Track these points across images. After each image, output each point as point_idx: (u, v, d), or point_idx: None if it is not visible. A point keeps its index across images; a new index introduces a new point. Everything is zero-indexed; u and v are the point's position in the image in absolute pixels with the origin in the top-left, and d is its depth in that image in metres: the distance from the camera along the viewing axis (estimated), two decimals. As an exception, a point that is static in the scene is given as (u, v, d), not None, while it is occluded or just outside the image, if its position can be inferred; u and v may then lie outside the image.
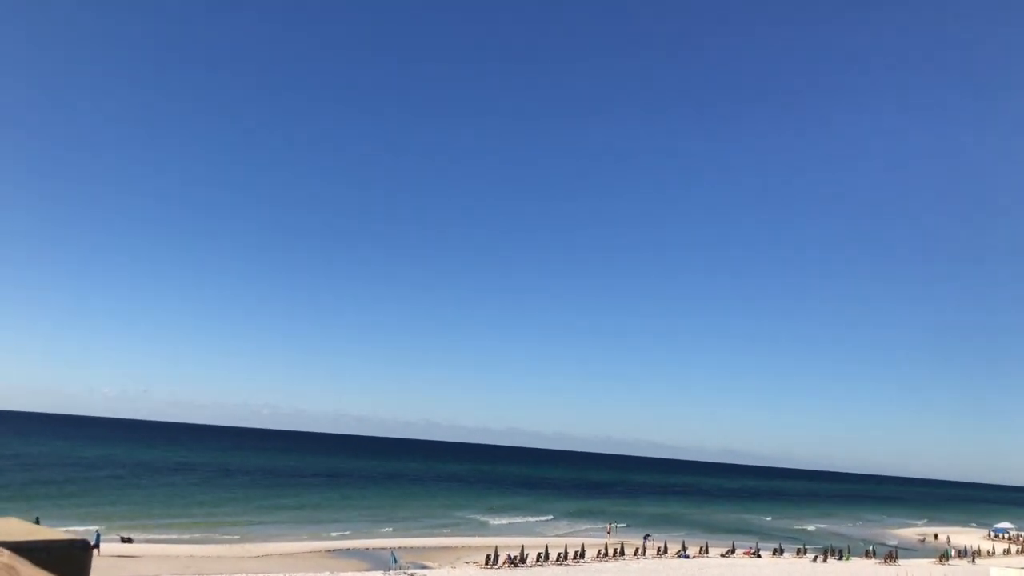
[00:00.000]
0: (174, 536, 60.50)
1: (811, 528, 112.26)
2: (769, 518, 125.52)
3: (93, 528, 54.31)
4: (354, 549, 59.10)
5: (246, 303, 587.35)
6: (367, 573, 48.70)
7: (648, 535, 78.12)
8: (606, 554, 64.30)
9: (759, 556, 72.56)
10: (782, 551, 75.78)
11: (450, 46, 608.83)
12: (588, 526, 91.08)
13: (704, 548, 72.71)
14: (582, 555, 61.07)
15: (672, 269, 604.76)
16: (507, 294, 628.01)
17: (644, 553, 67.77)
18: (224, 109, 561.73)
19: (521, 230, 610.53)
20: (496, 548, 56.75)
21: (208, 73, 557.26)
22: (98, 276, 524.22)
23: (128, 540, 54.46)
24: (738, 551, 74.29)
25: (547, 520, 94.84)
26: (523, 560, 55.85)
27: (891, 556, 75.43)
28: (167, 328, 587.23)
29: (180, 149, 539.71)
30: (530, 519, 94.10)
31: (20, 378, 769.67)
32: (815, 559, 71.79)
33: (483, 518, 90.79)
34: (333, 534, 67.83)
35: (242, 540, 60.11)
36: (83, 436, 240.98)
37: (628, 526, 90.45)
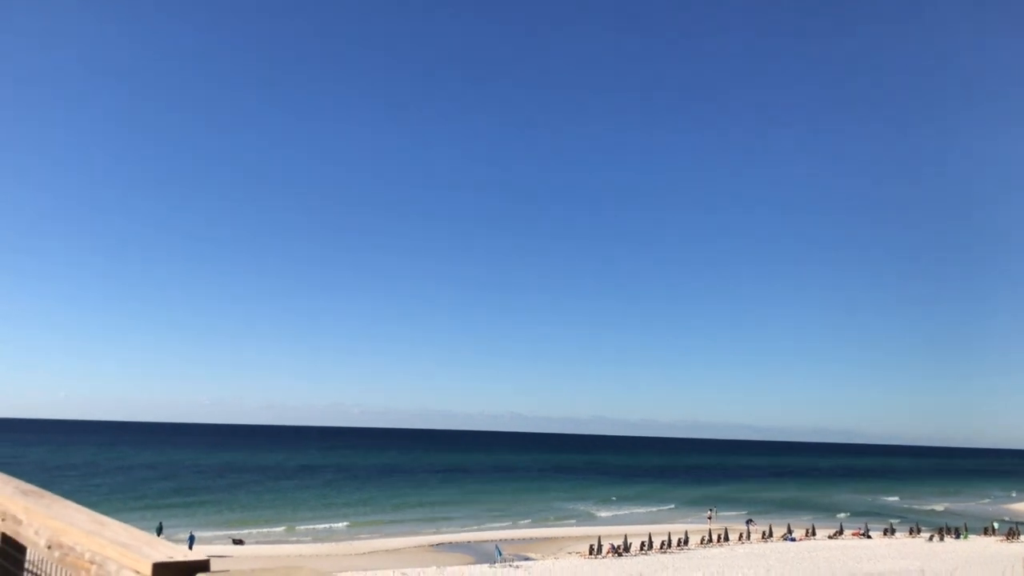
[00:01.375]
0: (291, 537, 62.31)
1: (939, 508, 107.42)
2: (896, 498, 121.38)
3: (188, 531, 56.24)
4: (458, 543, 59.82)
5: (334, 307, 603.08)
6: (472, 566, 49.19)
7: (751, 519, 76.79)
8: (710, 540, 63.42)
9: (869, 537, 70.33)
10: (893, 531, 73.30)
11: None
12: (687, 512, 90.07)
13: (811, 530, 70.93)
14: (686, 542, 60.39)
15: (750, 252, 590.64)
16: (604, 280, 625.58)
17: (749, 538, 66.55)
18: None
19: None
20: (599, 538, 56.56)
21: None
22: (193, 290, 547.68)
23: (239, 542, 56.45)
24: (846, 532, 72.25)
25: (651, 509, 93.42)
26: (627, 549, 55.55)
27: (1013, 533, 71.94)
28: (255, 336, 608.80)
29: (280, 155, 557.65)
30: (636, 510, 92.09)
31: (122, 390, 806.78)
32: (930, 538, 69.09)
33: (590, 509, 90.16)
34: (442, 529, 68.60)
35: (351, 538, 61.61)
36: (192, 444, 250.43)
37: (719, 512, 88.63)
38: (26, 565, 2.81)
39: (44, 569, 2.69)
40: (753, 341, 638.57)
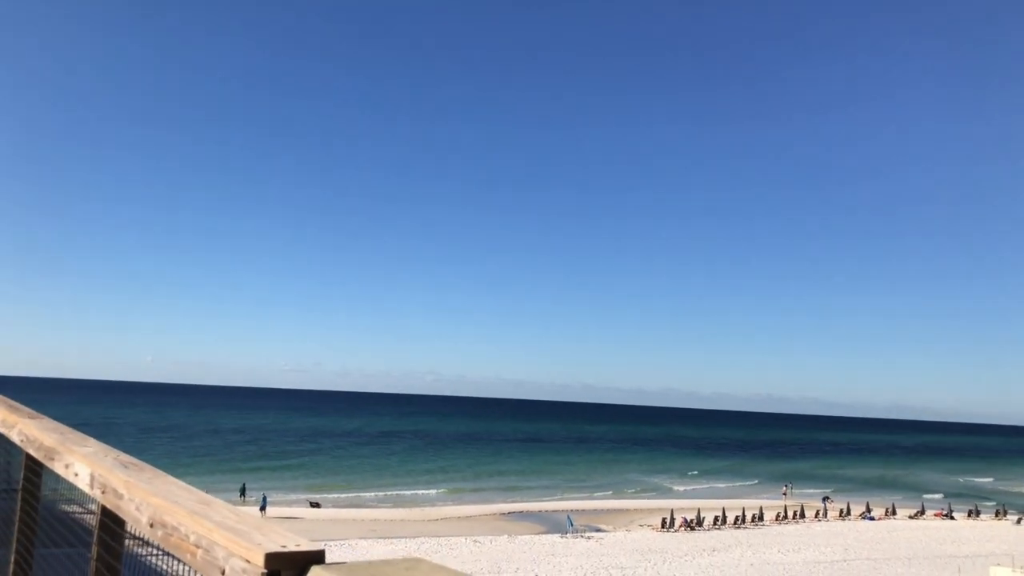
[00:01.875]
0: (368, 502, 63.54)
1: None
2: (986, 478, 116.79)
3: (260, 493, 57.35)
4: (530, 512, 60.26)
5: (401, 279, 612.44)
6: (542, 535, 49.48)
7: (827, 496, 75.07)
8: (786, 516, 62.36)
9: (952, 518, 68.05)
10: (978, 512, 70.67)
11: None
12: (764, 488, 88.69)
13: (890, 509, 69.01)
14: (761, 518, 59.52)
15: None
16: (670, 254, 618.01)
17: (826, 515, 65.16)
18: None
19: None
20: (672, 511, 56.16)
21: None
22: (266, 263, 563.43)
23: (316, 505, 57.88)
24: (928, 513, 69.99)
25: (728, 484, 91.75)
26: (699, 523, 55.07)
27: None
28: (336, 302, 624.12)
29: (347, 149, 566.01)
30: (713, 484, 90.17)
31: (204, 355, 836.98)
32: (1018, 521, 66.39)
33: (665, 482, 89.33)
34: (516, 497, 69.16)
35: (428, 504, 62.69)
36: (274, 407, 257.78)
37: (794, 488, 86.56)
38: (126, 541, 2.74)
39: (146, 548, 2.61)
40: (830, 317, 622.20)
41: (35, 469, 3.88)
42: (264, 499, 53.86)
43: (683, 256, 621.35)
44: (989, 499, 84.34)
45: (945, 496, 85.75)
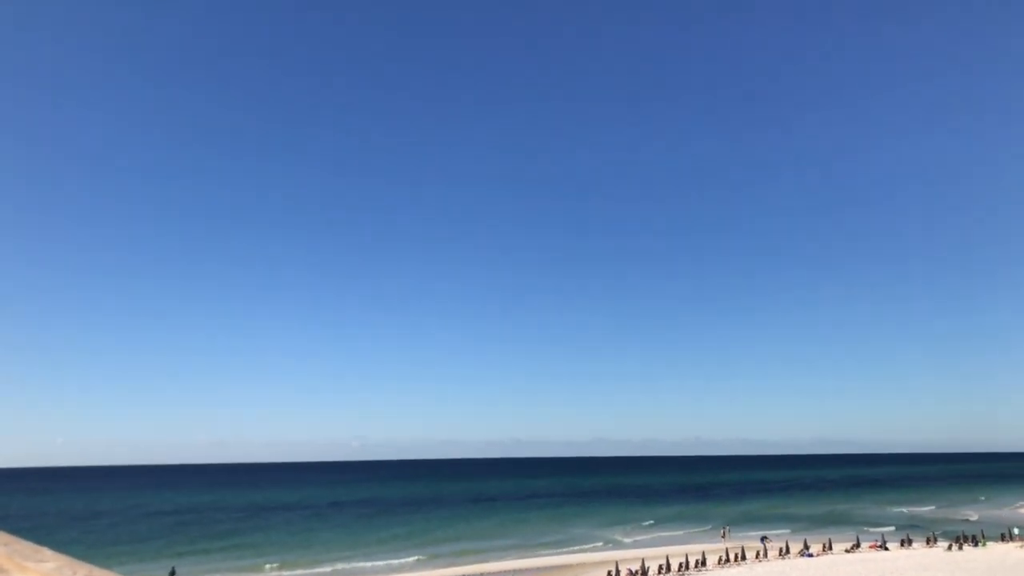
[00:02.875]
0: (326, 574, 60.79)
1: (973, 517, 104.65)
2: (932, 507, 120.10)
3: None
4: (490, 574, 58.67)
5: (320, 345, 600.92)
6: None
7: (765, 536, 75.81)
8: (727, 559, 62.52)
9: (886, 549, 69.58)
10: (910, 541, 72.46)
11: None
12: (695, 529, 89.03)
13: (827, 545, 70.11)
14: (703, 563, 59.61)
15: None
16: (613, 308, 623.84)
17: (766, 555, 65.60)
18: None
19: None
20: (617, 563, 55.65)
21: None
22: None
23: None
24: (863, 545, 71.27)
25: (671, 533, 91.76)
26: (644, 573, 54.59)
27: (1030, 538, 71.09)
28: (254, 372, 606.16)
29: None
30: (657, 533, 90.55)
31: (118, 433, 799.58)
32: (949, 547, 68.31)
33: (609, 534, 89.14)
34: (456, 562, 67.62)
35: (388, 573, 60.39)
36: (202, 484, 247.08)
37: (731, 532, 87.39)
38: None
39: None
40: (752, 353, 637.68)
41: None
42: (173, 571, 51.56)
43: (592, 302, 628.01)
44: (935, 528, 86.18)
45: (898, 528, 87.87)
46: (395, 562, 67.25)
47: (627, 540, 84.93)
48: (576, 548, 76.31)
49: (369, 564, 66.19)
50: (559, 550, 74.49)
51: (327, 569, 64.10)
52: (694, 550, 66.07)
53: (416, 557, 70.36)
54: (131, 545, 79.50)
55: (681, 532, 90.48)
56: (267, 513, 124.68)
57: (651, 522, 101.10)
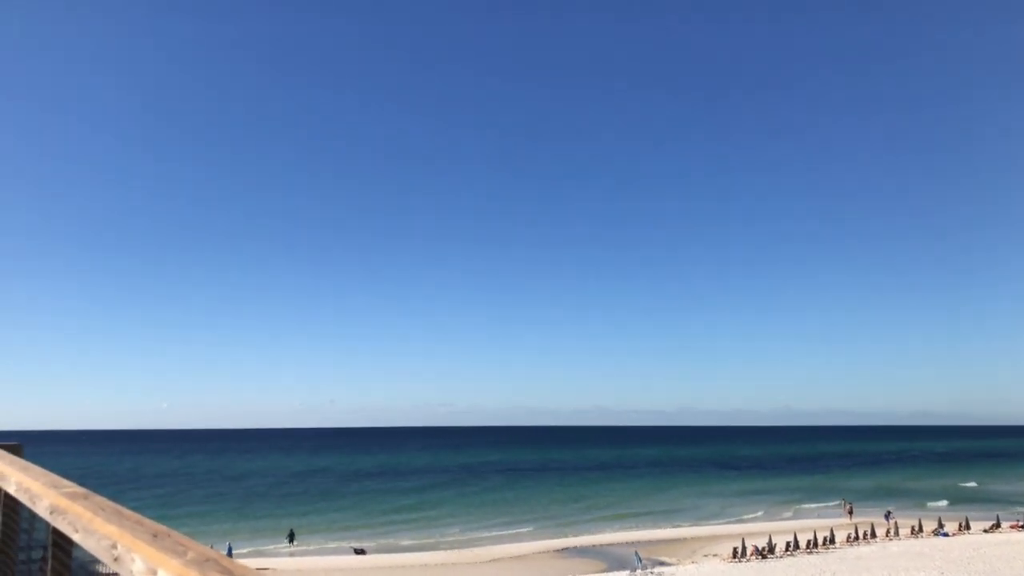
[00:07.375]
0: (415, 545, 59.27)
1: None
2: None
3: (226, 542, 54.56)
4: (584, 547, 56.24)
5: (416, 307, 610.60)
6: (608, 574, 45.73)
7: (890, 512, 70.88)
8: (856, 537, 58.28)
9: (1033, 528, 63.68)
10: (1058, 522, 66.23)
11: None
12: (814, 505, 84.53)
13: (964, 524, 64.71)
14: (832, 540, 55.50)
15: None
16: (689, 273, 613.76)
17: (897, 533, 61.00)
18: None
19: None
20: (743, 539, 52.22)
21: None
22: (283, 298, 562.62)
23: (361, 552, 54.06)
24: (1004, 524, 65.64)
25: (773, 502, 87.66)
26: (771, 550, 51.12)
27: None
28: (348, 340, 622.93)
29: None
30: (759, 505, 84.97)
31: (218, 399, 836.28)
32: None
33: (713, 505, 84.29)
34: (567, 531, 64.84)
35: (470, 544, 58.73)
36: (297, 448, 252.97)
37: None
38: None
39: None
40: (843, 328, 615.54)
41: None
42: (229, 548, 50.94)
43: (685, 268, 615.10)
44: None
45: (985, 504, 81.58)
46: (483, 534, 64.27)
47: (728, 510, 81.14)
48: (692, 522, 72.22)
49: (454, 532, 64.50)
50: (677, 522, 70.90)
51: (405, 536, 62.63)
52: (819, 525, 61.98)
53: (494, 526, 68.44)
54: (225, 507, 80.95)
55: (800, 507, 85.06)
56: (363, 479, 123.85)
57: (766, 495, 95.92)
